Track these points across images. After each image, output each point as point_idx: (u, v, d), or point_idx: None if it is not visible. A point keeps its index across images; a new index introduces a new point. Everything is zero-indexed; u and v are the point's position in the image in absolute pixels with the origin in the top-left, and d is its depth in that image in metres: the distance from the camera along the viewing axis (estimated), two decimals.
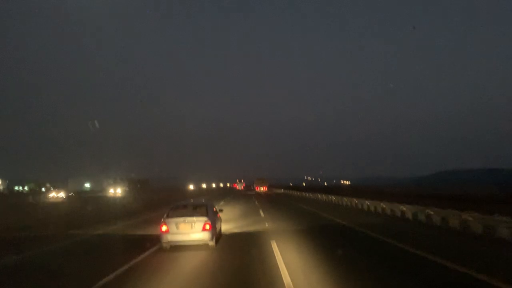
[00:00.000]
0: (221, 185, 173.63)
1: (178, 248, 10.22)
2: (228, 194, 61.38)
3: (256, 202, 34.31)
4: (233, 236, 12.68)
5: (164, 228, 9.96)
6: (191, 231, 9.93)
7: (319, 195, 42.82)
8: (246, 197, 50.63)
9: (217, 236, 11.19)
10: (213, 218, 10.70)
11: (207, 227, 9.97)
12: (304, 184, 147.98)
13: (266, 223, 16.40)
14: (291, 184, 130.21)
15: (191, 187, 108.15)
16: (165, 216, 10.37)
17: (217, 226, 11.45)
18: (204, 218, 10.08)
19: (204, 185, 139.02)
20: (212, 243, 10.22)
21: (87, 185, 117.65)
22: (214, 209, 11.82)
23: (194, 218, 10.05)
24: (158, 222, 11.32)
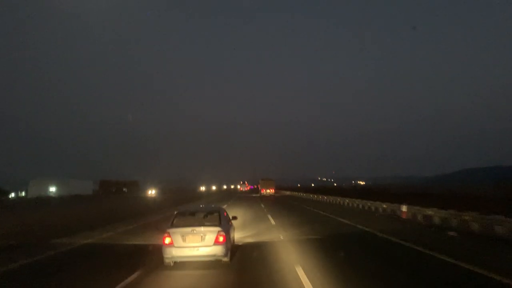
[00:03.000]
0: (224, 187, 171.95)
1: (184, 265, 9.05)
2: (230, 198, 60.11)
3: (264, 208, 33.09)
4: (246, 248, 11.57)
5: (167, 240, 8.67)
6: (201, 244, 8.65)
7: (331, 197, 41.95)
8: (251, 200, 49.50)
9: (231, 248, 9.95)
10: (227, 228, 9.55)
11: (221, 239, 8.71)
12: (313, 185, 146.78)
13: (279, 232, 15.20)
14: (299, 186, 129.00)
15: (151, 192, 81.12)
16: (169, 225, 9.13)
17: (231, 236, 10.36)
18: (216, 228, 8.84)
19: (202, 188, 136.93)
20: (226, 259, 8.96)
21: (53, 189, 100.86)
22: (225, 214, 10.48)
23: (204, 228, 8.82)
24: None
